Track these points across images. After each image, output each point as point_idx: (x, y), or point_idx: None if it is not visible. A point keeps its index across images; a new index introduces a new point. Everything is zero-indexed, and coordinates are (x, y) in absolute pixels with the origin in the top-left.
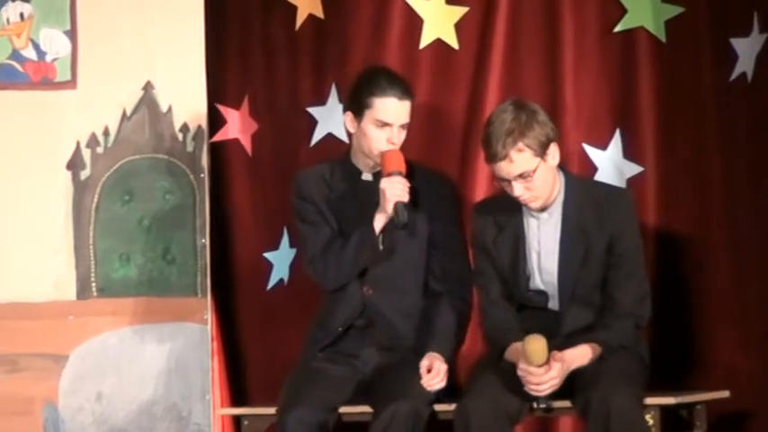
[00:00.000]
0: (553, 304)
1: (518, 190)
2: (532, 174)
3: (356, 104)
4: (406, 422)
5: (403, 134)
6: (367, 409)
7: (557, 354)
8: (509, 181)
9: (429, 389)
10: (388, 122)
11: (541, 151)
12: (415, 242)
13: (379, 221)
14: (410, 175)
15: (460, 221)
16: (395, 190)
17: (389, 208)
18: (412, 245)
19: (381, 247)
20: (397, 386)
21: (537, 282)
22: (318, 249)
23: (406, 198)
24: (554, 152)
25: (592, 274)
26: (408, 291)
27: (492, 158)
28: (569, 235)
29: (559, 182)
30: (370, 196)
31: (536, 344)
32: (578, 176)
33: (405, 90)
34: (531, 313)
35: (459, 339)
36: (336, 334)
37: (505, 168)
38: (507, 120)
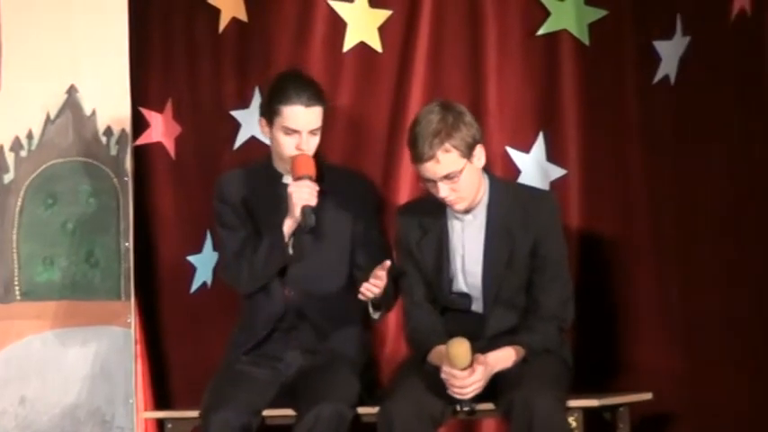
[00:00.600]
0: (477, 307)
1: (444, 191)
2: (458, 175)
3: (267, 112)
4: (330, 424)
5: (314, 139)
6: (290, 412)
7: (480, 357)
8: (435, 182)
9: (367, 293)
10: (295, 129)
11: (468, 152)
12: (336, 242)
13: (287, 226)
14: (329, 176)
15: (381, 220)
16: (302, 194)
17: (297, 212)
18: (332, 245)
19: (291, 252)
20: (320, 388)
21: (460, 284)
22: (233, 254)
23: (313, 202)
24: (480, 154)
25: (516, 276)
26: (330, 292)
27: (418, 159)
28: (494, 237)
29: (484, 184)
30: (288, 200)
31: (459, 347)
32: (503, 179)
33: (312, 96)
34: (455, 316)
35: (391, 302)
36: (260, 337)
37: (431, 169)
38: (434, 120)
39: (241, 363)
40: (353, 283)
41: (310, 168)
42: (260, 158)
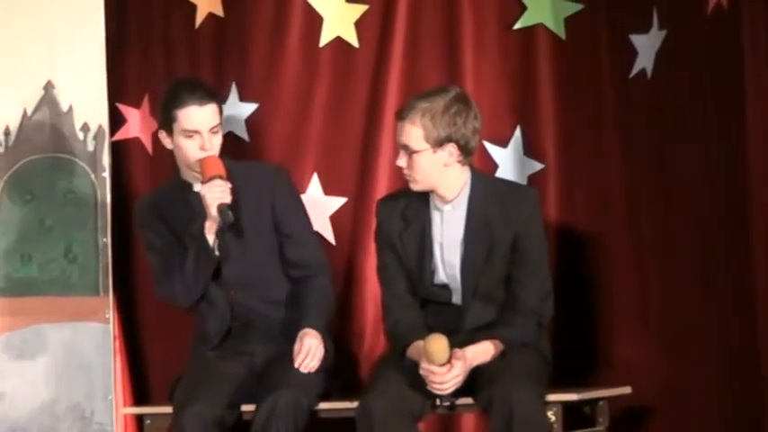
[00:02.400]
0: (456, 299)
1: (400, 160)
2: (415, 154)
3: (164, 121)
4: (287, 413)
5: (216, 138)
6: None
7: (458, 352)
8: (400, 147)
9: (304, 370)
10: (195, 130)
11: (435, 143)
12: (263, 235)
13: (208, 228)
14: (237, 172)
15: (300, 204)
16: (215, 194)
17: (214, 211)
18: (260, 239)
19: (217, 253)
20: (276, 377)
21: (441, 276)
22: (161, 271)
23: (227, 199)
24: (450, 152)
25: (495, 269)
26: (271, 282)
27: (398, 113)
28: (473, 230)
29: (465, 177)
30: (203, 207)
31: (437, 343)
32: (485, 173)
33: (205, 94)
34: (434, 308)
35: (328, 314)
36: (214, 344)
37: (399, 130)
38: (437, 96)
39: (208, 357)
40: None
41: (219, 168)
42: (169, 176)
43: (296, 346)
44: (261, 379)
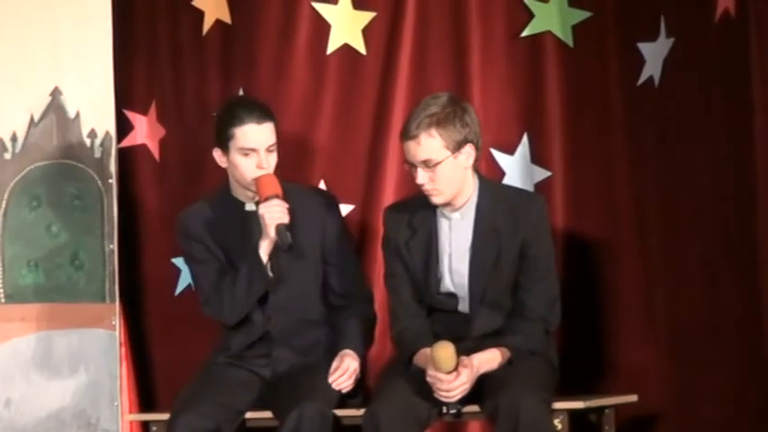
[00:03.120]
0: (463, 307)
1: (420, 177)
2: (437, 166)
3: (220, 139)
4: (313, 424)
5: (273, 157)
6: (269, 414)
7: (465, 359)
8: (415, 166)
9: (336, 387)
10: (252, 148)
11: (454, 147)
12: (308, 262)
13: (264, 249)
14: (289, 195)
15: (348, 234)
16: (273, 213)
17: (272, 232)
18: (305, 266)
19: (271, 274)
20: (303, 388)
21: (447, 284)
22: (211, 288)
23: (286, 219)
24: (468, 153)
25: (503, 277)
26: (310, 307)
27: (403, 135)
28: (481, 237)
29: (474, 184)
30: (255, 226)
31: (444, 351)
32: (492, 181)
33: (262, 113)
34: (441, 316)
35: (368, 342)
36: (234, 355)
37: (412, 150)
38: (434, 105)
39: (217, 365)
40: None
41: (276, 187)
42: (216, 190)
43: (334, 363)
44: (282, 387)
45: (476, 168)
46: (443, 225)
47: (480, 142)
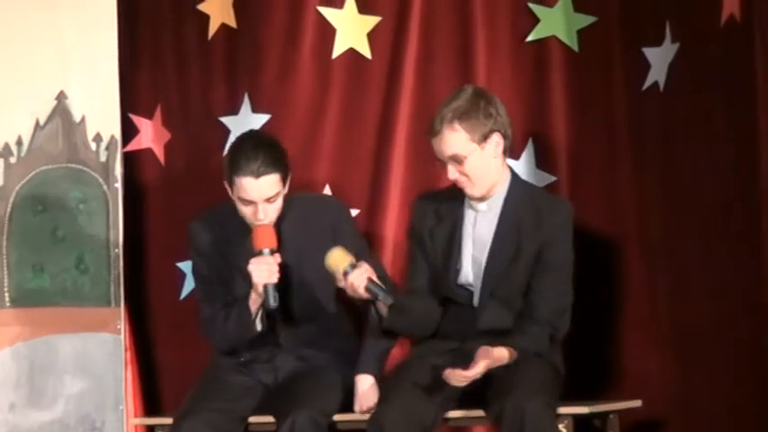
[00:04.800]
0: (476, 301)
1: (451, 173)
2: (465, 158)
3: (226, 177)
4: None
5: (272, 207)
6: (271, 419)
7: (483, 351)
8: (444, 162)
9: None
10: (249, 200)
11: (480, 138)
12: (319, 273)
13: (253, 301)
14: (302, 207)
15: (360, 237)
16: (261, 272)
17: (260, 289)
18: (316, 278)
19: (259, 328)
20: (300, 395)
21: (467, 274)
22: (208, 316)
23: (274, 279)
24: (497, 142)
25: (518, 274)
26: (320, 320)
27: (430, 131)
28: (504, 231)
29: (506, 177)
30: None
31: (336, 254)
32: (524, 180)
33: (263, 165)
34: (454, 310)
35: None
36: (242, 358)
37: (438, 146)
38: (459, 99)
39: (221, 370)
40: (341, 309)
41: (270, 241)
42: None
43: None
44: (282, 392)
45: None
46: (469, 215)
47: (509, 131)
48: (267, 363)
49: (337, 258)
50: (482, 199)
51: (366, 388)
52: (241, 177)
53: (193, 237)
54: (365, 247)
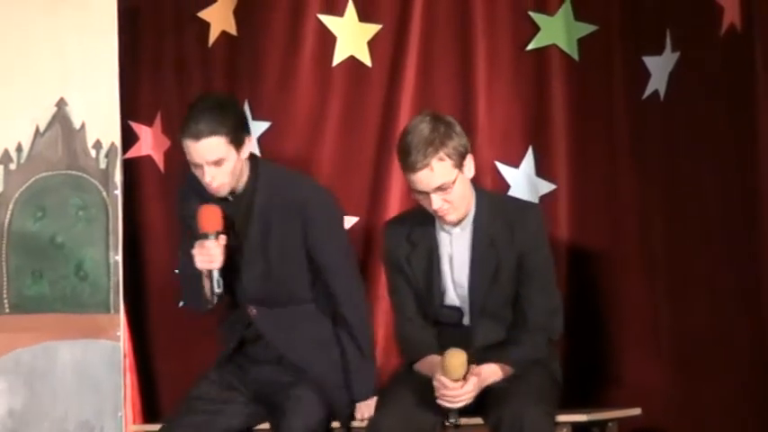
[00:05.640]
0: (466, 320)
1: (436, 202)
2: (452, 185)
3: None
4: None
5: (220, 170)
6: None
7: (474, 368)
8: (427, 194)
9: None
10: (194, 163)
11: (460, 162)
12: (293, 256)
13: (206, 283)
14: (273, 181)
15: (340, 233)
16: (204, 257)
17: (205, 273)
18: (289, 260)
19: (219, 290)
20: (288, 402)
21: (451, 297)
22: (183, 279)
23: (216, 265)
24: (470, 164)
25: (503, 288)
26: (293, 304)
27: (411, 168)
28: (480, 250)
29: (472, 197)
30: (237, 212)
31: (457, 358)
32: (487, 192)
33: (205, 128)
34: (445, 330)
35: (371, 341)
36: (230, 350)
37: (425, 179)
38: (426, 130)
39: (202, 386)
40: (319, 296)
41: (215, 223)
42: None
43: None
44: (265, 400)
45: (472, 180)
46: (444, 239)
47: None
48: (247, 370)
49: (207, 218)
50: (457, 223)
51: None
52: (185, 139)
53: (180, 200)
54: (337, 233)
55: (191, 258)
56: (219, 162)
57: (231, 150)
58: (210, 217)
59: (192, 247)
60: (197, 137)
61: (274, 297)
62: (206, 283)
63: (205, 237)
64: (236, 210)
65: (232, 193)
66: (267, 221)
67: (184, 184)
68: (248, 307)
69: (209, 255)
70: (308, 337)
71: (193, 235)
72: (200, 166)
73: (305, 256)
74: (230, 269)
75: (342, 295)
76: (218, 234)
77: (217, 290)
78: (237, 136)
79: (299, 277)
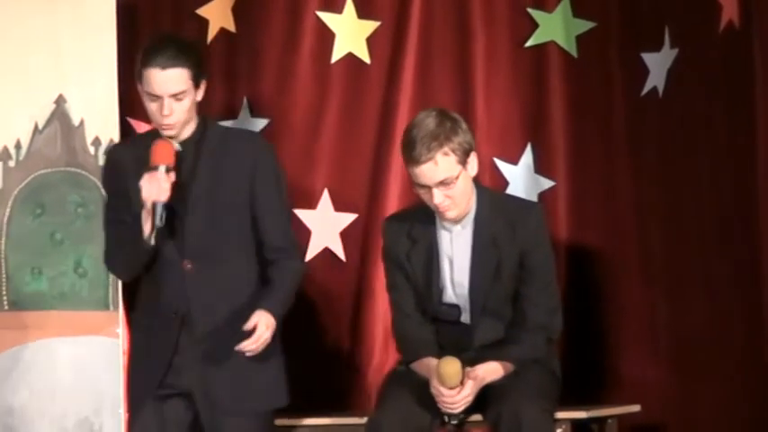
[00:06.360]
0: (466, 318)
1: (438, 197)
2: (454, 181)
3: (136, 76)
4: None
5: (179, 105)
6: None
7: (470, 371)
8: (429, 188)
9: (246, 354)
10: (155, 94)
11: (464, 159)
12: (234, 209)
13: (144, 219)
14: (218, 137)
15: (282, 187)
16: (152, 187)
17: (149, 206)
18: (231, 213)
19: (153, 243)
20: (233, 404)
21: (450, 295)
22: (113, 244)
23: (163, 197)
24: (473, 162)
25: (503, 287)
26: (230, 261)
27: (415, 162)
28: (481, 248)
29: (473, 195)
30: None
31: (451, 366)
32: (489, 190)
33: (172, 57)
34: (444, 327)
35: (290, 300)
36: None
37: (429, 173)
38: (432, 124)
39: (149, 404)
40: (261, 263)
41: (167, 157)
42: (151, 129)
43: (248, 323)
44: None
45: (474, 179)
46: (444, 236)
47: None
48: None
49: (159, 151)
50: (458, 221)
51: None
52: (149, 69)
53: (108, 161)
54: (280, 186)
55: (120, 215)
56: (180, 96)
57: (191, 87)
58: (164, 152)
59: (123, 207)
60: (163, 66)
61: (213, 252)
62: (146, 220)
63: (155, 169)
64: (181, 160)
65: (177, 140)
66: (215, 170)
67: (114, 146)
68: (183, 261)
69: (159, 186)
70: (235, 317)
71: (125, 194)
72: (158, 99)
73: (248, 210)
74: (171, 220)
75: (282, 246)
76: (168, 169)
77: (159, 223)
78: (199, 73)
79: (241, 231)
